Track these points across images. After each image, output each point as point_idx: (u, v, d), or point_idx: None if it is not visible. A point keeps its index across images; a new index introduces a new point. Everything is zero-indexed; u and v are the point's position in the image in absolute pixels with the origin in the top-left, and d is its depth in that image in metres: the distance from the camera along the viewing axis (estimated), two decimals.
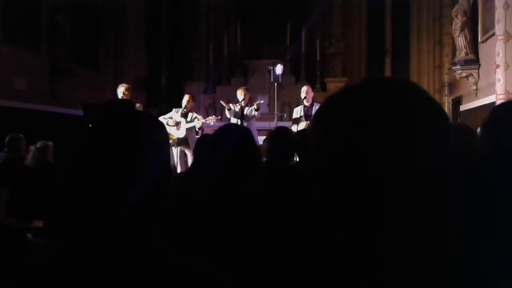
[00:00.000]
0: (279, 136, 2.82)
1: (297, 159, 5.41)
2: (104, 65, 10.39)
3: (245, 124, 7.35)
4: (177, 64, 11.79)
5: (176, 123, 7.32)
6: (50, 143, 4.80)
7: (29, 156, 4.64)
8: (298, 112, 7.41)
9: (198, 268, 0.90)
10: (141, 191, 0.91)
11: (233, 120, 7.47)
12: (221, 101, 7.81)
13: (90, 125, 1.03)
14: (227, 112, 7.63)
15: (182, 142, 7.26)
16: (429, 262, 0.65)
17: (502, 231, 1.47)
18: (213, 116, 7.71)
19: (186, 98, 7.55)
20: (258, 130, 7.42)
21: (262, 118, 7.94)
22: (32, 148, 4.69)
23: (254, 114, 7.40)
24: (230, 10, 11.76)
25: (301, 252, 0.74)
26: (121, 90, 6.82)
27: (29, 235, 3.69)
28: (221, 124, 6.93)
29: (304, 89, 7.55)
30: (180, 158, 7.22)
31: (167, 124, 7.27)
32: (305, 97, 7.39)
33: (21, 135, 4.99)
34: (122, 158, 0.91)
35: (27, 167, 4.56)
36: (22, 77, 7.89)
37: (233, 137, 1.87)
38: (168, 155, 0.99)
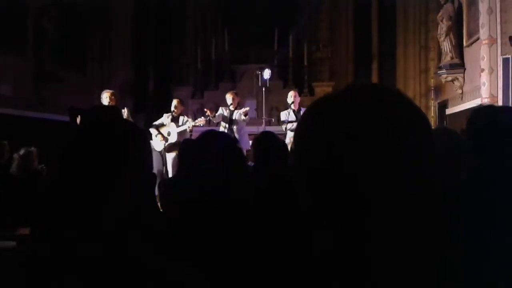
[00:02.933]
0: (264, 141, 2.83)
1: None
2: (91, 70, 10.31)
3: (234, 127, 7.35)
4: (164, 69, 11.75)
5: (164, 138, 7.28)
6: (33, 149, 4.73)
7: (14, 165, 4.57)
8: (286, 115, 7.45)
9: (179, 275, 0.89)
10: (124, 198, 0.91)
11: (222, 124, 7.45)
12: (206, 110, 7.76)
13: (74, 132, 1.03)
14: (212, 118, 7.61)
15: (173, 147, 7.20)
16: (419, 263, 0.65)
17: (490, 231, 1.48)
18: (202, 117, 7.68)
19: (174, 102, 7.54)
20: (248, 134, 7.44)
21: (250, 122, 7.94)
22: (15, 156, 4.63)
23: (243, 119, 7.40)
24: (217, 14, 11.77)
25: (290, 257, 0.74)
26: (106, 96, 6.76)
27: (14, 243, 3.64)
28: (208, 128, 6.95)
29: (291, 93, 7.61)
30: (173, 164, 7.16)
31: (156, 136, 7.26)
32: (292, 102, 7.44)
33: (5, 142, 4.92)
34: (106, 165, 0.91)
35: (11, 175, 4.50)
36: (8, 83, 7.80)
37: (217, 144, 1.87)
38: (150, 163, 0.99)
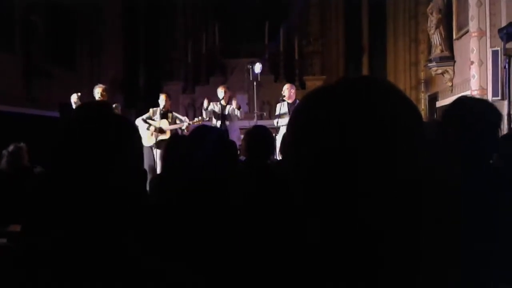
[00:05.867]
0: (256, 135, 2.83)
1: (279, 158, 5.42)
2: (81, 65, 10.23)
3: (227, 123, 7.31)
4: (155, 63, 11.69)
5: (160, 130, 7.21)
6: (22, 144, 4.69)
7: (3, 162, 4.53)
8: (280, 108, 7.42)
9: (173, 272, 0.89)
10: (115, 192, 0.90)
11: (214, 121, 7.41)
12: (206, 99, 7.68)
13: (65, 127, 1.02)
14: (204, 112, 7.55)
15: (164, 143, 7.10)
16: (419, 256, 0.65)
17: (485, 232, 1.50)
18: (200, 117, 7.59)
19: (162, 97, 7.43)
20: (239, 128, 7.41)
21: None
22: (4, 152, 4.58)
23: (236, 114, 7.35)
24: (208, 9, 11.72)
25: (283, 251, 0.74)
26: (98, 91, 6.71)
27: (5, 240, 3.61)
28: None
29: (285, 87, 7.54)
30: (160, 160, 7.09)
31: (147, 130, 7.17)
32: (284, 95, 7.41)
33: None
34: (97, 160, 0.90)
35: (1, 171, 4.46)
36: None
37: (210, 138, 1.87)
38: (141, 157, 0.98)
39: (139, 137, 1.02)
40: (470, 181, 1.58)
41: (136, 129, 1.01)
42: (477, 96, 6.38)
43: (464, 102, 1.82)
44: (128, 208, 0.93)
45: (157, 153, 7.17)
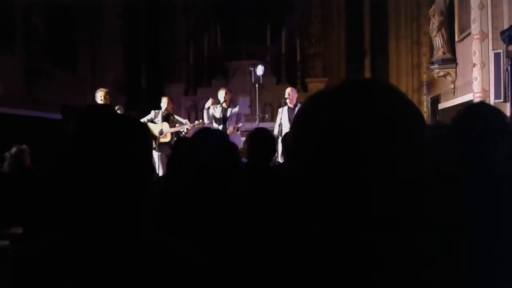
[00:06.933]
0: (258, 137, 2.84)
1: (281, 160, 5.41)
2: (82, 66, 10.22)
3: (228, 126, 7.28)
4: (156, 65, 11.69)
5: (160, 133, 7.21)
6: (24, 146, 4.69)
7: (5, 164, 4.53)
8: (281, 112, 7.40)
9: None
10: (124, 193, 0.90)
11: (215, 125, 7.37)
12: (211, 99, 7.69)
13: (70, 129, 1.02)
14: (205, 111, 7.55)
15: (165, 146, 7.11)
16: (419, 256, 0.65)
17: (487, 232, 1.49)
18: (201, 120, 7.59)
19: (165, 100, 7.42)
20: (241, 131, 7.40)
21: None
22: (7, 155, 4.59)
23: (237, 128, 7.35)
24: (209, 10, 11.73)
25: (282, 252, 0.74)
26: (100, 95, 6.69)
27: (7, 242, 3.61)
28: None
29: (288, 90, 7.53)
30: (162, 162, 7.09)
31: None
32: (286, 98, 7.39)
33: None
34: (106, 160, 0.90)
35: (3, 173, 4.46)
36: None
37: (212, 139, 1.87)
38: (150, 155, 0.99)
39: (148, 135, 1.02)
40: (470, 181, 1.58)
41: (144, 126, 1.01)
42: (480, 99, 6.39)
43: (479, 106, 1.83)
44: (138, 205, 0.93)
45: (157, 156, 7.16)
